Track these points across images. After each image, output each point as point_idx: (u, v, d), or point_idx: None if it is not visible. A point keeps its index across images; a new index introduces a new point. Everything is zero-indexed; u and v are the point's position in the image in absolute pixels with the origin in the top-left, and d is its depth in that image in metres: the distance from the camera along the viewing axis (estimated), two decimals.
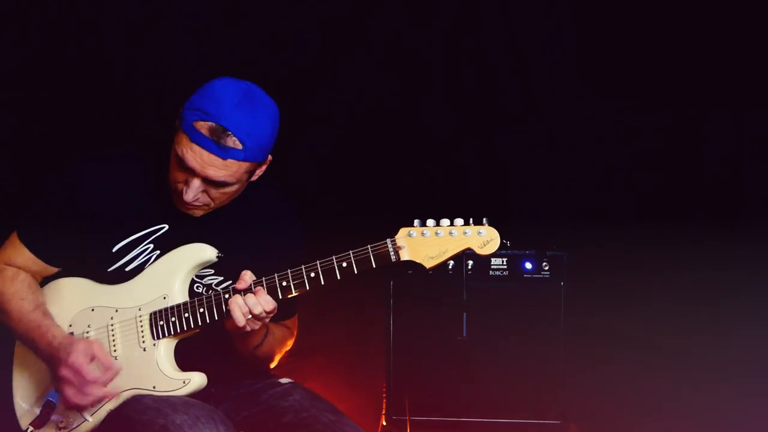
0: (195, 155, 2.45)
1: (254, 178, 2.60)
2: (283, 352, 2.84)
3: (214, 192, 2.53)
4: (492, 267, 3.48)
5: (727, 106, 3.84)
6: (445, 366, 3.46)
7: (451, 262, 3.46)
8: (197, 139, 2.44)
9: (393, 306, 3.48)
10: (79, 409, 2.57)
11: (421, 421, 3.47)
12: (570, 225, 3.75)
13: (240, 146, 2.45)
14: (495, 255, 3.44)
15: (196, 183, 2.49)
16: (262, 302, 2.49)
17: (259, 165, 2.57)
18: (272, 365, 2.84)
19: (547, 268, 3.46)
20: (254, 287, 2.51)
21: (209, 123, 2.43)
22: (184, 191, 2.51)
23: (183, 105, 2.51)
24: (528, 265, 3.47)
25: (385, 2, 3.93)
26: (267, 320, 2.54)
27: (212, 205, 2.58)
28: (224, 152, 2.44)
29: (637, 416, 3.75)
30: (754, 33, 3.78)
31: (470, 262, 3.46)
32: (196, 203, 2.54)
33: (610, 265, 3.80)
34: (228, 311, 2.50)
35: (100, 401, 2.56)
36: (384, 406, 3.50)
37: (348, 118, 4.00)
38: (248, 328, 2.51)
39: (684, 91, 3.86)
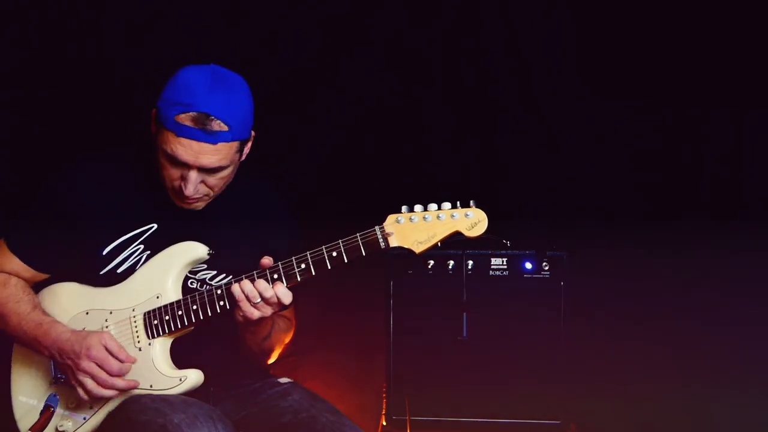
0: (185, 148, 2.47)
1: (243, 157, 2.62)
2: (284, 344, 2.84)
3: (211, 180, 2.55)
4: (492, 267, 3.48)
5: (727, 106, 3.84)
6: (445, 366, 3.46)
7: (451, 262, 3.46)
8: (184, 132, 2.45)
9: (393, 306, 3.48)
10: (98, 400, 2.58)
11: (421, 421, 3.46)
12: (570, 225, 3.75)
13: (226, 128, 2.47)
14: (495, 255, 3.47)
15: (193, 175, 2.51)
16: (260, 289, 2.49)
17: (246, 142, 2.59)
18: (273, 359, 2.84)
19: (547, 268, 3.46)
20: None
21: (191, 113, 2.45)
22: (183, 187, 2.52)
23: (156, 105, 2.52)
24: (528, 265, 3.47)
25: (385, 2, 3.93)
26: (266, 308, 2.53)
27: (212, 193, 2.60)
28: (213, 137, 2.46)
29: (637, 416, 3.75)
30: (754, 33, 3.78)
31: (470, 262, 3.46)
32: (197, 195, 2.56)
33: (610, 265, 3.79)
34: (222, 308, 2.54)
35: (122, 392, 2.58)
36: (384, 406, 3.50)
37: (348, 118, 4.00)
38: (253, 315, 2.52)
39: (684, 91, 3.85)
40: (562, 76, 3.94)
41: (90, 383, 2.55)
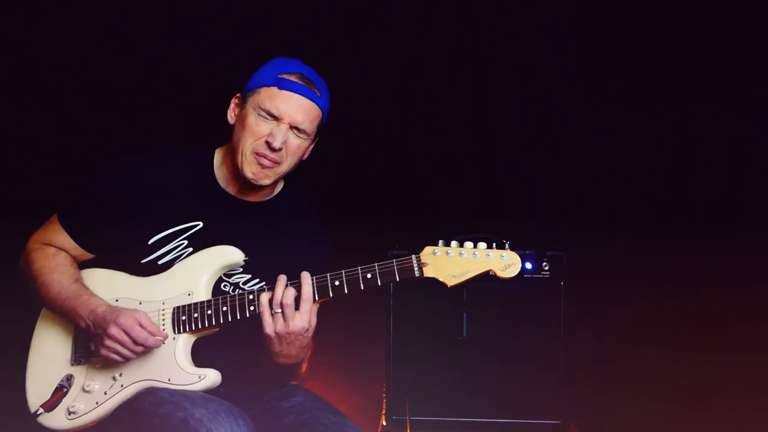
0: (286, 100, 2.67)
1: (309, 151, 2.80)
2: (306, 362, 2.87)
3: (291, 145, 2.70)
4: None
5: (727, 106, 3.85)
6: (445, 366, 3.47)
7: None
8: (288, 86, 2.68)
9: (393, 306, 3.49)
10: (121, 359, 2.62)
11: (421, 421, 3.47)
12: (570, 225, 3.76)
13: (320, 93, 2.73)
14: None
15: (283, 128, 2.67)
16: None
17: (322, 128, 2.79)
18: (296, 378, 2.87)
19: (547, 268, 3.46)
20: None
21: (296, 73, 2.71)
22: (271, 140, 2.65)
23: (253, 75, 2.74)
24: (528, 265, 3.47)
25: (385, 2, 3.93)
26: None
27: (284, 166, 2.71)
28: (312, 95, 2.71)
29: (636, 416, 3.76)
30: (754, 33, 3.78)
31: None
32: (276, 157, 2.67)
33: (610, 265, 3.80)
34: (251, 313, 2.60)
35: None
36: (384, 406, 3.50)
37: (346, 118, 3.99)
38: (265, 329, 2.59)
39: (684, 90, 3.86)
40: (562, 76, 3.94)
41: (112, 345, 2.59)
